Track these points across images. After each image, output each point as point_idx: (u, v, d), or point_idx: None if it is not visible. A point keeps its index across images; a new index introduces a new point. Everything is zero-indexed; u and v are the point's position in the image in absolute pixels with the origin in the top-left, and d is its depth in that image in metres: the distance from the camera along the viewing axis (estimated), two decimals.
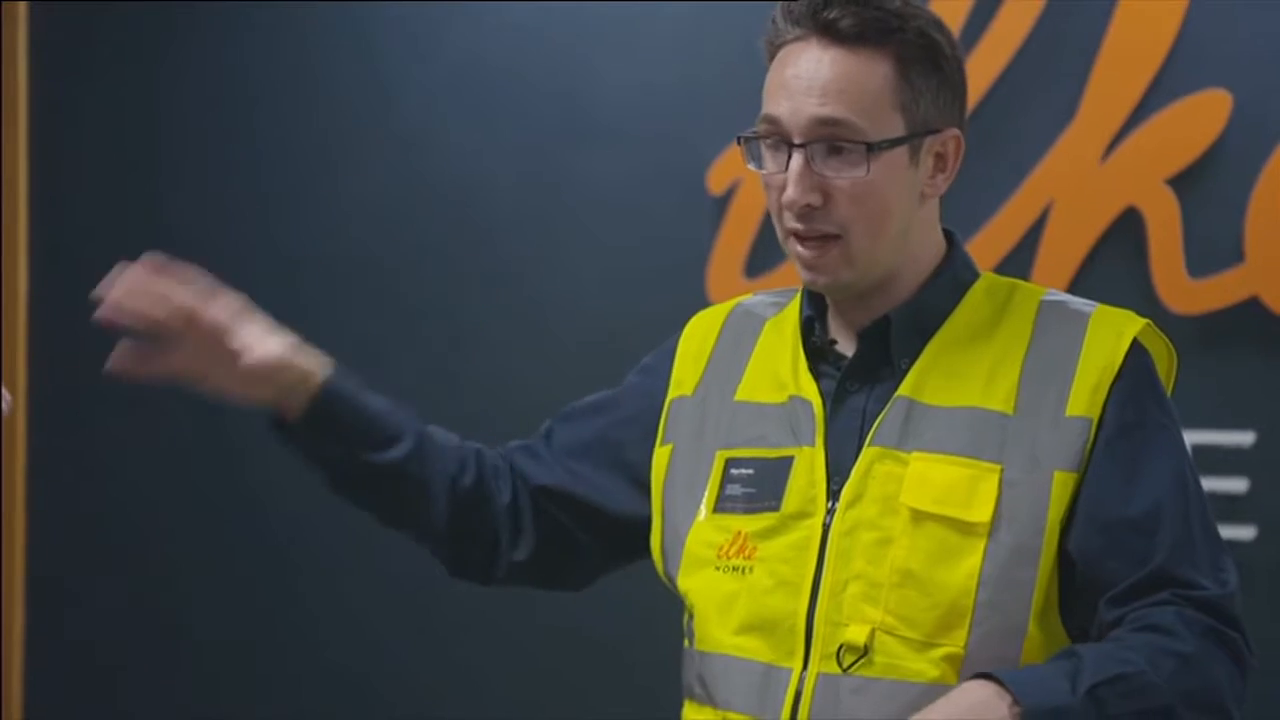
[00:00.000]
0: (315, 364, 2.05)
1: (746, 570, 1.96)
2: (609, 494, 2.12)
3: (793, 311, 2.07)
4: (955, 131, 1.99)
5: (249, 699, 4.06)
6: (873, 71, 1.93)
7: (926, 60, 1.95)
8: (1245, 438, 3.42)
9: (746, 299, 2.15)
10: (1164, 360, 2.00)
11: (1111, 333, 1.95)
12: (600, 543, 2.14)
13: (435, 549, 2.17)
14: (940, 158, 1.98)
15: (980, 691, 1.79)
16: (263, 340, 2.00)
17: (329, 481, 2.09)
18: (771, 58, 1.99)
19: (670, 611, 2.13)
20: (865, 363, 1.99)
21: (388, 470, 2.07)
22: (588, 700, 3.83)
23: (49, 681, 4.18)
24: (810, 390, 1.99)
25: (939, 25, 1.98)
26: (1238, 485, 3.42)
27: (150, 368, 1.99)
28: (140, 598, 4.12)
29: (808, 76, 1.93)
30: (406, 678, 3.98)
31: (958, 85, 1.99)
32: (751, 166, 1.99)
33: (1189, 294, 3.44)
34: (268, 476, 4.03)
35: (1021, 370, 1.94)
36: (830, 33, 1.93)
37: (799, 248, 1.96)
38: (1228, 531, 3.36)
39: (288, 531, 4.04)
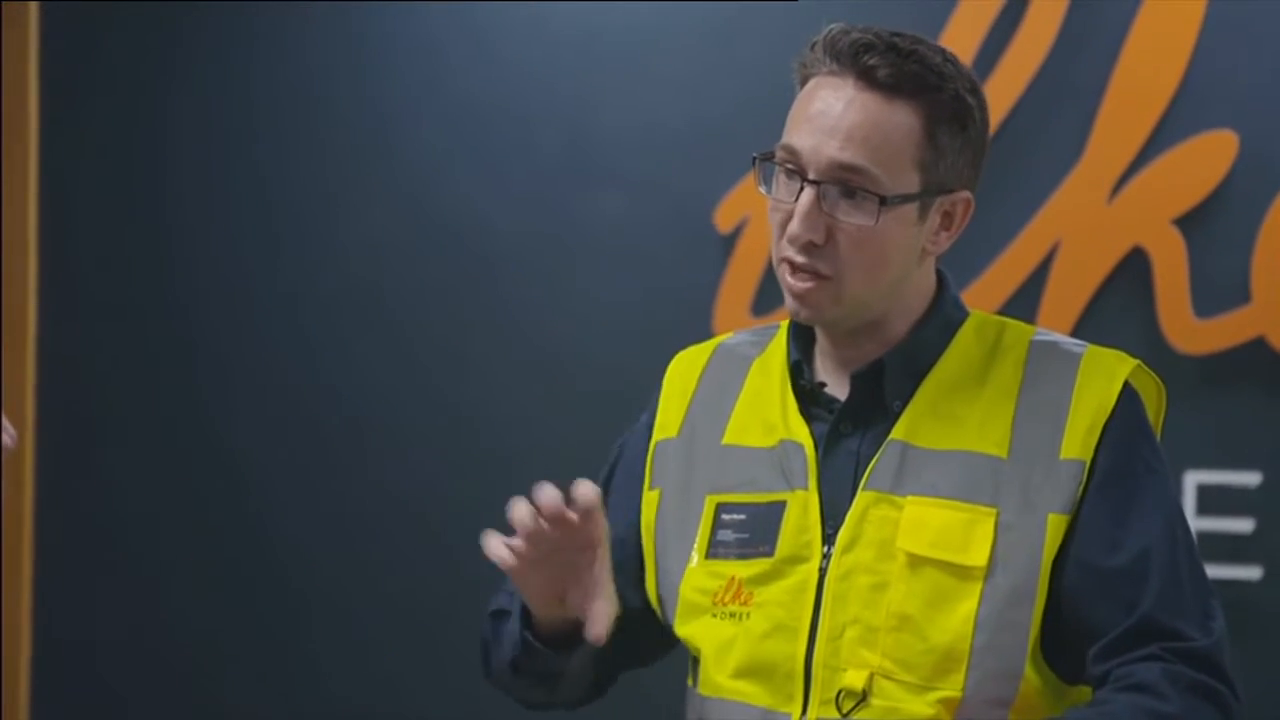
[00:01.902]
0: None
1: (743, 616, 1.95)
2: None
3: (777, 352, 2.06)
4: (966, 194, 1.97)
5: (251, 703, 4.05)
6: (899, 124, 1.91)
7: (954, 122, 1.93)
8: (1251, 478, 3.42)
9: (727, 338, 2.14)
10: (1154, 401, 1.99)
11: (1104, 375, 1.94)
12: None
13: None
14: (947, 216, 1.97)
15: None
16: (609, 602, 1.89)
17: (558, 682, 2.03)
18: (803, 82, 1.96)
19: (675, 650, 2.13)
20: (858, 405, 1.98)
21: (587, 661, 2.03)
22: None
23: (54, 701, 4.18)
24: (802, 433, 1.98)
25: (974, 88, 1.95)
26: (1243, 525, 3.42)
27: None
28: (148, 618, 4.11)
29: (835, 116, 1.91)
30: (407, 682, 3.96)
31: (979, 149, 1.97)
32: (762, 189, 1.98)
33: (1195, 334, 3.44)
34: (274, 497, 4.03)
35: (1015, 413, 1.93)
36: (866, 77, 1.91)
37: (790, 278, 1.95)
38: (1233, 572, 3.39)
39: (290, 551, 4.03)
